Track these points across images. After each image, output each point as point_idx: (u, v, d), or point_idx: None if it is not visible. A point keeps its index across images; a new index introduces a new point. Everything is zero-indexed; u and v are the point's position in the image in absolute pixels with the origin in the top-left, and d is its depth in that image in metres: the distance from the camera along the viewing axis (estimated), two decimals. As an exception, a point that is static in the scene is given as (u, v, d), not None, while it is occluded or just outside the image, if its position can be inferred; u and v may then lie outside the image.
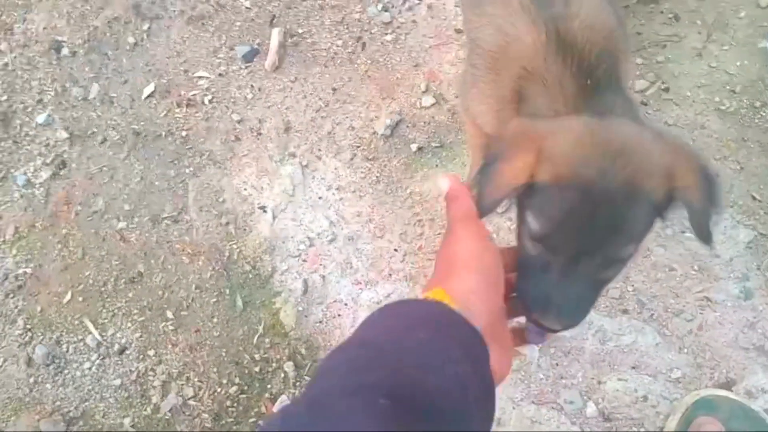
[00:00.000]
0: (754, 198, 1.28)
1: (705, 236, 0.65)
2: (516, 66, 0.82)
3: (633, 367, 1.23)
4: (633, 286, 1.28)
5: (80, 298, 1.44)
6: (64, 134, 1.56)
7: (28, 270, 1.49)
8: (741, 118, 1.33)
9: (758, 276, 1.25)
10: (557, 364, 1.25)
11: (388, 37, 1.49)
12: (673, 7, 1.39)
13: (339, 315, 1.33)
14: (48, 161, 1.55)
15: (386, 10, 1.50)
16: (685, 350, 1.24)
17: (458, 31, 1.48)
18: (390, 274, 1.36)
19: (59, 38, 1.64)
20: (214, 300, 1.40)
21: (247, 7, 1.57)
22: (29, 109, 1.60)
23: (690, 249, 1.28)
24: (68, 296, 1.45)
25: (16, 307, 1.46)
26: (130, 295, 1.43)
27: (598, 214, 0.61)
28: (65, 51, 1.62)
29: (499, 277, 0.58)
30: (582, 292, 0.64)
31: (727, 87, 1.34)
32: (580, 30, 0.80)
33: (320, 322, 1.33)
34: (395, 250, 1.37)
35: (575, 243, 0.62)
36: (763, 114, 1.32)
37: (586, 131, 0.65)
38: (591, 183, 0.61)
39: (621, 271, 0.68)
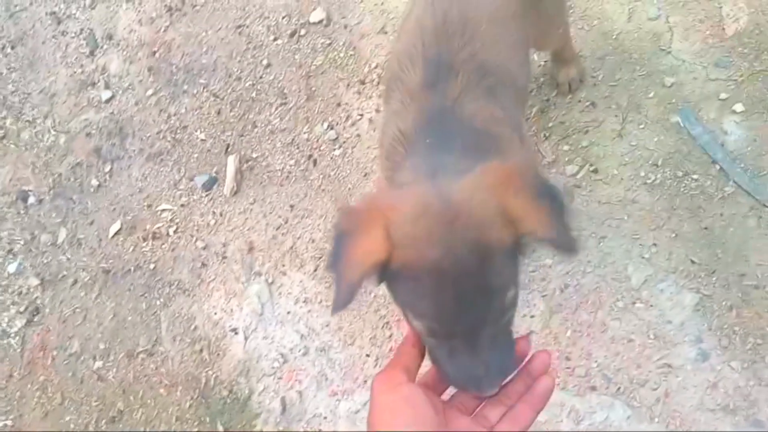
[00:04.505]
0: (693, 262, 1.37)
1: (570, 248, 0.63)
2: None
3: (609, 444, 1.26)
4: (596, 362, 1.33)
5: (61, 446, 1.44)
6: (36, 281, 1.61)
7: (9, 422, 1.50)
8: (667, 189, 1.43)
9: (711, 337, 1.31)
10: (537, 451, 1.28)
11: (337, 152, 1.59)
12: (589, 95, 1.53)
13: (320, 431, 1.35)
14: (21, 309, 1.59)
15: (332, 128, 1.61)
16: (656, 419, 1.27)
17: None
18: (365, 381, 1.39)
19: (25, 188, 1.72)
20: (196, 430, 1.41)
21: (202, 139, 1.67)
22: (0, 260, 1.66)
23: (643, 319, 1.34)
24: (49, 446, 1.45)
25: (-3, 464, 1.46)
26: (112, 436, 1.44)
27: (463, 288, 0.61)
28: (32, 200, 1.70)
29: (425, 418, 0.58)
30: (497, 350, 0.64)
31: (650, 162, 1.46)
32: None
33: (301, 439, 1.35)
34: (367, 355, 1.41)
35: (462, 323, 0.62)
36: (687, 182, 1.43)
37: (421, 204, 0.63)
38: (440, 262, 0.60)
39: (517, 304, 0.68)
